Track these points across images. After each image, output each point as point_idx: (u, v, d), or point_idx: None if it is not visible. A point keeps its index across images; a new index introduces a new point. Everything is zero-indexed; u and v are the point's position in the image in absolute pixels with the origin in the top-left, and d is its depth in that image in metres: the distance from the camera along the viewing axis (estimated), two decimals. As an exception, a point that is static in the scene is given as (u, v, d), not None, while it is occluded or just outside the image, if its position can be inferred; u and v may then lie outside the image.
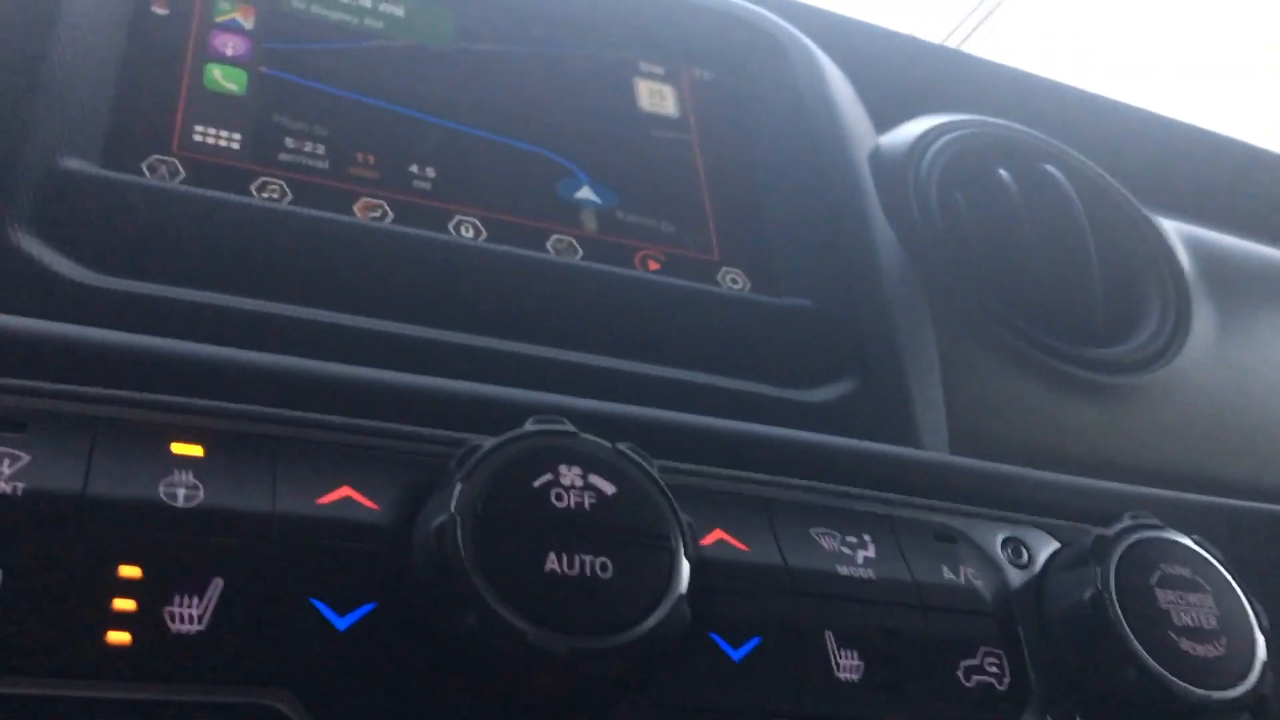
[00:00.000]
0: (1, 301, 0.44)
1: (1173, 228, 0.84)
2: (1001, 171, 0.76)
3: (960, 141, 0.77)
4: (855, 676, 0.44)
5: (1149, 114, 1.01)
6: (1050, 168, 0.78)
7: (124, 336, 0.43)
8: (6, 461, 0.36)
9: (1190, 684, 0.46)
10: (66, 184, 0.50)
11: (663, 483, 0.42)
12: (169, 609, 0.36)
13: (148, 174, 0.54)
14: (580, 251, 0.62)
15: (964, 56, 0.94)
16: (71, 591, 0.35)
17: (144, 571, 0.36)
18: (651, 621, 0.38)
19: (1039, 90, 0.96)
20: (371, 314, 0.53)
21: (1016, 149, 0.79)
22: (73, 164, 0.51)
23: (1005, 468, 0.56)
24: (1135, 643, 0.46)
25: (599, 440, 0.42)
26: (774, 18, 0.78)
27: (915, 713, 0.44)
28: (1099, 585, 0.47)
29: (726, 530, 0.45)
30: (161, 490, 0.38)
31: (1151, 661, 0.45)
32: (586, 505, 0.40)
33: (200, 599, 0.36)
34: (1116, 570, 0.48)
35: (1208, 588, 0.49)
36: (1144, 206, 0.82)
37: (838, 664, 0.44)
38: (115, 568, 0.36)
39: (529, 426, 0.41)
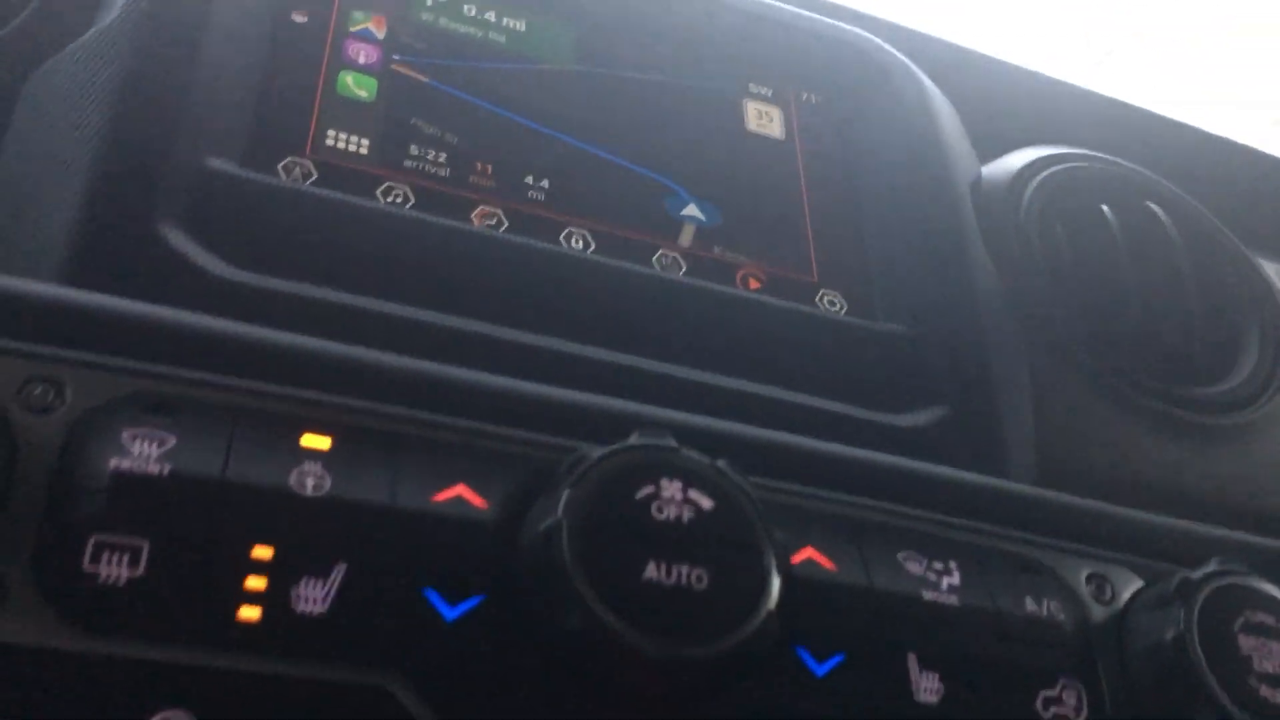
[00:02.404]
0: (151, 291, 0.47)
1: (1275, 270, 0.83)
2: (1104, 207, 0.76)
3: (1063, 175, 0.78)
4: (934, 699, 0.45)
5: (1256, 151, 1.00)
6: (1153, 205, 0.78)
7: (263, 331, 0.45)
8: (156, 443, 0.39)
9: (1269, 731, 0.46)
10: (210, 182, 0.54)
11: (757, 500, 0.44)
12: (296, 590, 0.39)
13: (283, 175, 0.58)
14: (684, 267, 0.64)
15: (1069, 88, 0.94)
16: (209, 568, 0.38)
17: (275, 553, 0.39)
18: (742, 632, 0.40)
19: (1144, 123, 0.96)
20: (485, 319, 0.55)
21: (1120, 185, 0.79)
22: (216, 163, 0.54)
23: (1093, 503, 0.56)
24: (1215, 686, 0.46)
25: (699, 456, 0.44)
26: (883, 44, 0.79)
27: (992, 739, 0.45)
28: (1181, 627, 0.48)
29: (816, 549, 0.47)
30: (292, 478, 0.40)
31: (1231, 706, 0.46)
32: (685, 518, 0.42)
33: (324, 582, 0.39)
34: (1200, 613, 0.48)
35: (1292, 637, 0.49)
36: (1246, 247, 0.82)
37: (918, 686, 0.45)
38: (249, 548, 0.38)
39: (634, 440, 0.43)
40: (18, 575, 0.36)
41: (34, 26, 0.58)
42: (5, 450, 0.38)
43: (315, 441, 0.42)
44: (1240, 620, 0.49)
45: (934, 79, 0.79)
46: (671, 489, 0.42)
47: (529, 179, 0.64)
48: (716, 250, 0.66)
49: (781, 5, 0.77)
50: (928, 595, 0.47)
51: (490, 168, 0.63)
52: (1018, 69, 0.91)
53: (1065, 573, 0.52)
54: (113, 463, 0.38)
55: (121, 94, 0.53)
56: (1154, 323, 0.73)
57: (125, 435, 0.39)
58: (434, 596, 0.40)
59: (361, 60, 0.64)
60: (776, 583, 0.42)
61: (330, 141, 0.60)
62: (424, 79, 0.65)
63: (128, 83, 0.54)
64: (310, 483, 0.40)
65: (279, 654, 0.38)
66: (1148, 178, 0.81)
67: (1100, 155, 0.81)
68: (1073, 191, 0.77)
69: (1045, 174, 0.77)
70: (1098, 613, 0.51)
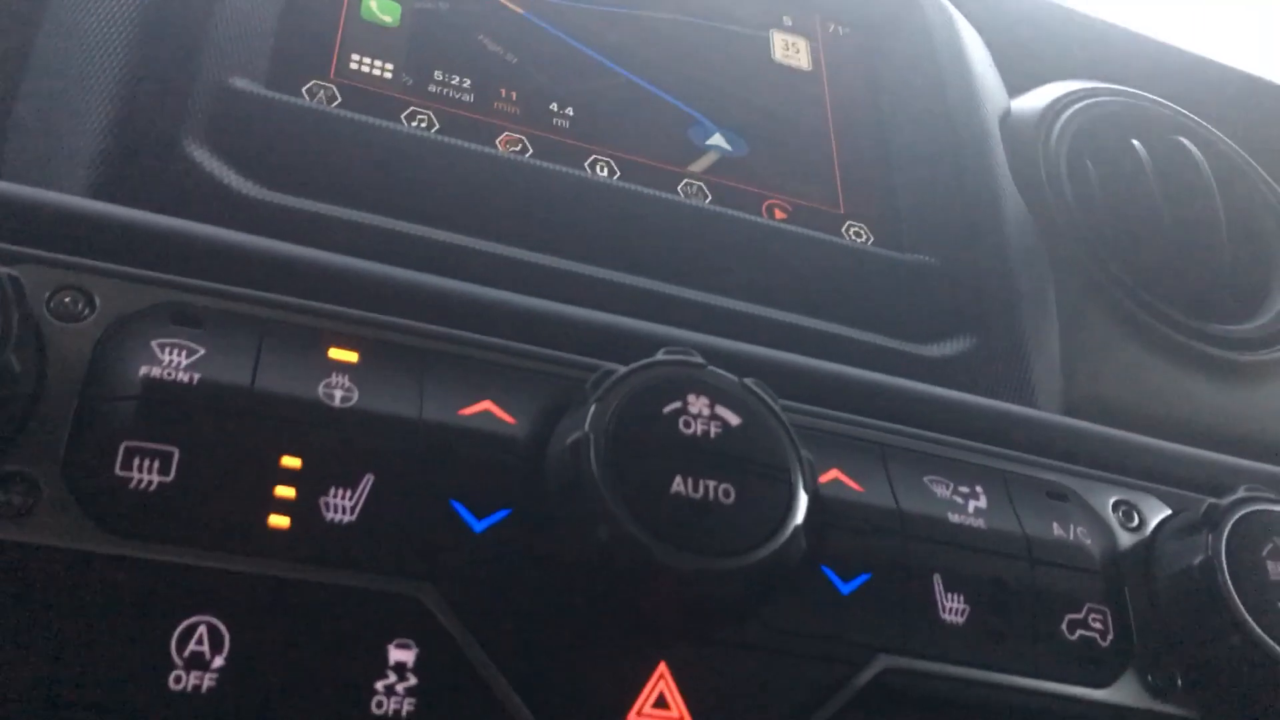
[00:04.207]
0: (175, 207, 0.47)
1: (1307, 209, 0.82)
2: (1134, 142, 0.75)
3: (1093, 109, 0.77)
4: (960, 620, 0.45)
5: (1290, 91, 0.98)
6: (1184, 140, 0.77)
7: (291, 247, 0.45)
8: (184, 353, 0.39)
9: (1295, 654, 0.46)
10: (234, 102, 0.53)
11: (785, 419, 0.44)
12: (324, 499, 0.39)
13: (307, 97, 0.57)
14: (709, 196, 0.64)
15: (1101, 24, 0.92)
16: (239, 475, 0.38)
17: (303, 463, 0.39)
18: (770, 548, 0.40)
19: (1175, 60, 0.94)
20: (510, 242, 0.55)
21: (1151, 120, 0.78)
22: (240, 83, 0.54)
23: (1120, 433, 0.56)
24: (1243, 610, 0.46)
25: (727, 374, 0.44)
26: (913, -25, 0.78)
27: (1017, 659, 0.45)
28: (1209, 552, 0.48)
29: (843, 470, 0.47)
30: (320, 390, 0.40)
31: (1258, 629, 0.46)
32: (712, 434, 0.42)
33: (353, 492, 0.39)
34: (1228, 539, 0.48)
35: (1320, 564, 0.49)
36: (1278, 185, 0.81)
37: (944, 606, 0.45)
38: (278, 457, 0.38)
39: (661, 356, 0.43)
40: (51, 479, 0.36)
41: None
42: (36, 357, 0.38)
43: (343, 355, 0.42)
44: (1268, 546, 0.49)
45: (963, 12, 0.78)
46: (699, 404, 0.42)
47: (553, 106, 0.63)
48: (742, 180, 0.66)
49: (809, -65, 0.76)
50: (954, 518, 0.47)
51: (515, 94, 0.63)
52: (1048, 3, 0.90)
53: (1092, 500, 0.51)
54: (143, 370, 0.38)
55: (146, 12, 0.53)
56: (1184, 258, 0.72)
57: (154, 344, 0.39)
58: (461, 509, 0.40)
59: (385, -15, 0.63)
60: (804, 500, 0.42)
61: (354, 65, 0.60)
62: (449, 5, 0.64)
63: (152, 1, 0.53)
64: (338, 395, 0.40)
65: (308, 561, 0.38)
66: (1179, 113, 0.80)
67: (1130, 90, 0.80)
68: (1103, 125, 0.76)
69: (1075, 108, 0.76)
70: (1125, 539, 0.51)
